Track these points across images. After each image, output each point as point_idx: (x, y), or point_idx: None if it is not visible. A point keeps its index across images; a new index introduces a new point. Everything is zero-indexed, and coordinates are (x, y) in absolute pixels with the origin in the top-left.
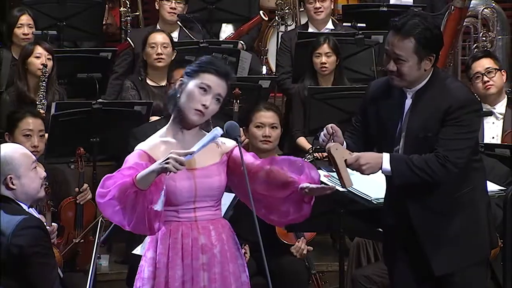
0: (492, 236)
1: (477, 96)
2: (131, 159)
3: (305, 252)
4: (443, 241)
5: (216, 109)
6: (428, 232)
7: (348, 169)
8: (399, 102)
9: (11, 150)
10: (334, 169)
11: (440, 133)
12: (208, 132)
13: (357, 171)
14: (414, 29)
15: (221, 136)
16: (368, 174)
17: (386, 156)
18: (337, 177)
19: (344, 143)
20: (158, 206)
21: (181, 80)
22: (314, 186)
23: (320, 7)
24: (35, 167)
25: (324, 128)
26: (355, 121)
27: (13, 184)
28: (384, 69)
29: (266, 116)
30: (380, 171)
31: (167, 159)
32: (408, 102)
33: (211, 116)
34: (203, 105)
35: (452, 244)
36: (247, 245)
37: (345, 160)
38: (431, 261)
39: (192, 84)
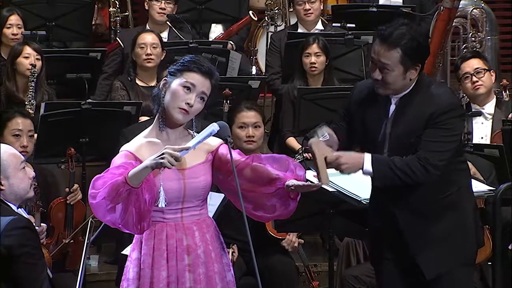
0: (478, 235)
1: (466, 97)
2: (117, 161)
3: (296, 244)
4: (430, 243)
5: (201, 108)
6: (414, 234)
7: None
8: (384, 107)
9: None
10: (313, 165)
11: (422, 136)
12: (192, 131)
13: (336, 169)
14: (401, 40)
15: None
16: (347, 174)
17: (368, 157)
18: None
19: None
20: (161, 203)
21: (164, 79)
22: (299, 183)
23: (310, 9)
24: (24, 167)
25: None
26: (339, 119)
27: (1, 185)
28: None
29: (248, 116)
30: (361, 171)
31: (162, 154)
32: (393, 107)
33: (195, 116)
34: (188, 103)
35: (439, 246)
36: (235, 245)
37: (325, 158)
38: (420, 264)
39: (176, 83)
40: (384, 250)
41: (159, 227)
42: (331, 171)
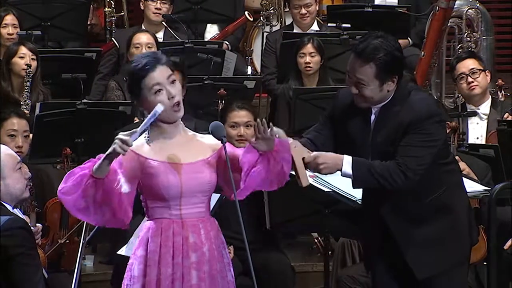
0: (472, 235)
1: (461, 97)
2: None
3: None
4: (421, 244)
5: (180, 87)
6: (403, 235)
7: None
8: (365, 116)
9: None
10: (292, 167)
11: (401, 141)
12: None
13: (314, 170)
14: (375, 54)
15: (205, 133)
16: (325, 174)
17: (347, 159)
18: (322, 178)
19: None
20: (124, 188)
21: (137, 105)
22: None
23: (306, 13)
24: (20, 168)
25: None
26: (319, 126)
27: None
28: None
29: (240, 116)
30: (339, 173)
31: (114, 141)
32: (373, 117)
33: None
34: (172, 97)
35: (431, 247)
36: (232, 246)
37: (303, 159)
38: (412, 265)
39: (147, 96)
40: (376, 250)
41: (165, 223)
42: None
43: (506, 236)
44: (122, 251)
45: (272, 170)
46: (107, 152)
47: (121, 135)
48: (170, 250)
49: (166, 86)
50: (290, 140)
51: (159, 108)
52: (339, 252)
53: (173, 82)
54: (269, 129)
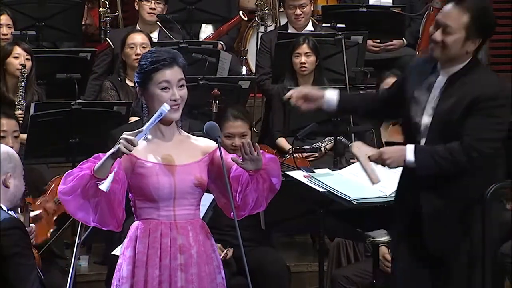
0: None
1: None
2: None
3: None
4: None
5: (186, 93)
6: (437, 230)
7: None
8: (433, 83)
9: (11, 149)
10: (361, 167)
11: (467, 122)
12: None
13: (382, 165)
14: (475, 6)
15: (201, 136)
16: (394, 168)
17: (410, 148)
18: (316, 178)
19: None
20: (103, 186)
21: (138, 89)
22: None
23: (301, 13)
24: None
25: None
26: (383, 91)
27: (10, 183)
28: (361, 69)
29: (235, 126)
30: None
31: (119, 140)
32: (441, 84)
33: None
34: (174, 100)
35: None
36: (232, 248)
37: (369, 157)
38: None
39: (152, 88)
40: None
41: (154, 225)
42: (323, 171)
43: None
44: (117, 252)
45: (261, 190)
46: (110, 152)
47: (126, 135)
48: (158, 251)
49: (173, 87)
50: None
51: (165, 107)
52: (334, 252)
53: (181, 86)
54: (256, 149)
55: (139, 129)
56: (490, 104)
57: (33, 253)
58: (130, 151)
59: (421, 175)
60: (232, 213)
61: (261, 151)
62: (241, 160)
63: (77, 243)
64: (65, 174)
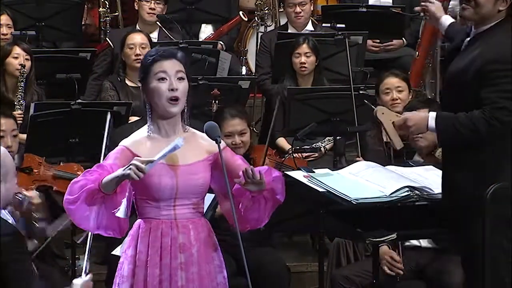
0: None
1: None
2: (112, 155)
3: None
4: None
5: (186, 87)
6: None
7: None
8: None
9: (3, 152)
10: (384, 132)
11: (485, 91)
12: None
13: (405, 132)
14: None
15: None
16: (417, 134)
17: (432, 115)
18: (316, 178)
19: None
20: (120, 213)
21: (141, 88)
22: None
23: (301, 12)
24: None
25: None
26: None
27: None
28: (363, 70)
29: (233, 125)
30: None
31: (129, 165)
32: (466, 42)
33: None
34: (171, 89)
35: None
36: None
37: (393, 123)
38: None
39: (151, 82)
40: None
41: (154, 224)
42: (322, 171)
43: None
44: (117, 252)
45: (264, 209)
46: (120, 173)
47: (137, 161)
48: (158, 250)
49: (171, 78)
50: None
51: (179, 142)
52: (334, 252)
53: (180, 79)
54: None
55: (150, 159)
56: (502, 68)
57: (29, 257)
58: (139, 178)
59: (443, 142)
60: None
61: (267, 167)
62: (244, 183)
63: (88, 247)
64: (70, 183)
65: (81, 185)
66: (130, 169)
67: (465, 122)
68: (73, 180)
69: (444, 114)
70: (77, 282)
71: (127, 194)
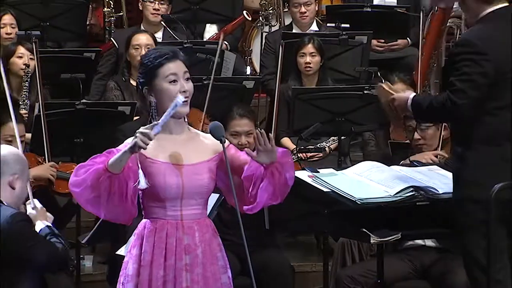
0: None
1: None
2: (120, 147)
3: None
4: None
5: (192, 86)
6: None
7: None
8: None
9: (19, 152)
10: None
11: (451, 74)
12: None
13: (393, 109)
14: None
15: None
16: (402, 113)
17: (411, 96)
18: (321, 178)
19: None
20: (142, 185)
21: (145, 88)
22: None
23: (306, 12)
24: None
25: None
26: None
27: (15, 185)
28: (365, 68)
29: (241, 125)
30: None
31: (135, 135)
32: None
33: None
34: (184, 91)
35: None
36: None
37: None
38: None
39: (160, 84)
40: None
41: (160, 224)
42: (327, 171)
43: None
44: (121, 251)
45: (277, 183)
46: (128, 146)
47: (142, 129)
48: (163, 251)
49: (180, 79)
50: None
51: (179, 99)
52: (338, 252)
53: (187, 79)
54: (270, 140)
55: (155, 123)
56: (458, 51)
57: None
58: (147, 144)
59: (420, 121)
60: (244, 207)
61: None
62: (255, 153)
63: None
64: (76, 167)
65: (87, 167)
66: (136, 138)
67: (429, 104)
68: (79, 164)
69: (418, 97)
70: (32, 212)
71: (139, 166)
